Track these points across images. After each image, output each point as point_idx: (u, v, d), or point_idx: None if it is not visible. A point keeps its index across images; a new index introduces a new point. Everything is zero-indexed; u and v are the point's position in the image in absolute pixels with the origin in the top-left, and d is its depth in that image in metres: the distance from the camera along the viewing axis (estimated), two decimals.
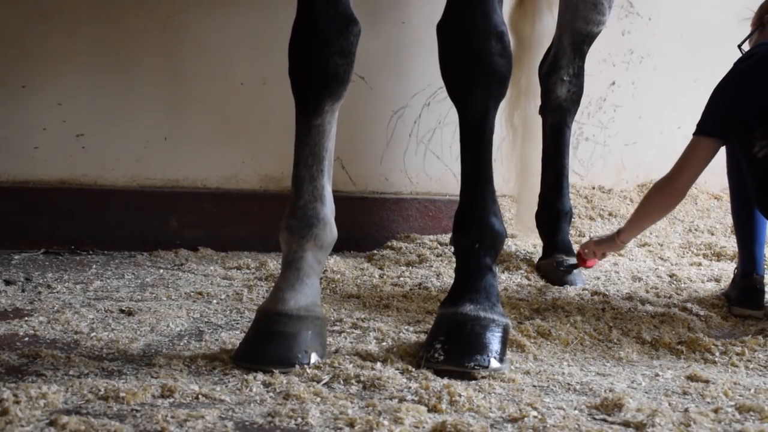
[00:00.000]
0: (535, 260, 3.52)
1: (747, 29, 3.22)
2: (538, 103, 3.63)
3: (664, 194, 2.99)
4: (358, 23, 2.30)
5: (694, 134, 2.94)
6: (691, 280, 3.35)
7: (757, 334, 2.71)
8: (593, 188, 4.30)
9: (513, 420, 1.92)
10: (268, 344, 2.20)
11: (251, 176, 3.88)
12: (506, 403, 2.00)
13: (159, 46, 3.78)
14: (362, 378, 2.13)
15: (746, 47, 3.15)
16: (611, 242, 3.15)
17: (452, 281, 2.36)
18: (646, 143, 4.37)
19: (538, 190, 3.62)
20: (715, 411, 1.99)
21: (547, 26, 3.68)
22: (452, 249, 3.10)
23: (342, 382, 2.13)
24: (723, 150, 3.03)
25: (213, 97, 3.83)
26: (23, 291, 2.99)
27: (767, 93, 2.84)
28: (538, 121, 3.63)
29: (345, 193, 3.86)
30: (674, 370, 2.35)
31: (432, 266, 3.47)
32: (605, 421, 1.94)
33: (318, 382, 2.12)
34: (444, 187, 4.01)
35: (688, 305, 2.98)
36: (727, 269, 3.44)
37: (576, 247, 3.54)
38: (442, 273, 3.35)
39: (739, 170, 3.03)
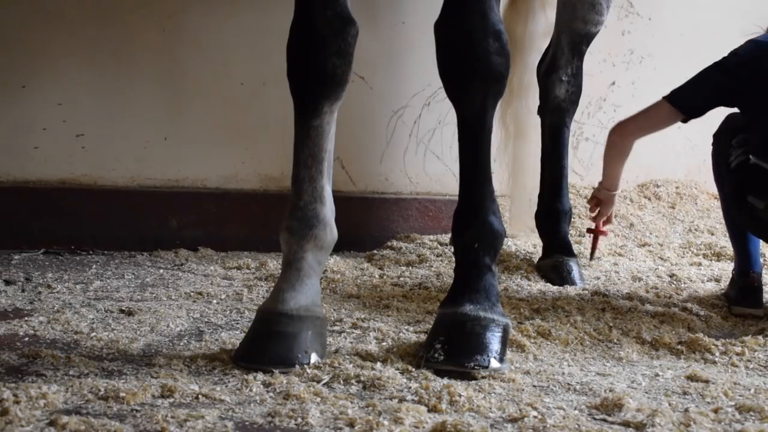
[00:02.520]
0: (535, 260, 3.52)
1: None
2: (531, 102, 3.63)
3: (612, 132, 3.20)
4: (356, 24, 2.30)
5: (664, 97, 3.03)
6: (691, 280, 3.35)
7: (757, 334, 2.71)
8: (593, 188, 4.29)
9: (513, 420, 1.92)
10: (268, 344, 2.21)
11: (251, 176, 3.88)
12: (506, 403, 2.00)
13: (159, 46, 3.78)
14: (362, 378, 2.14)
15: None
16: (605, 197, 3.34)
17: (452, 281, 2.37)
18: (646, 143, 4.33)
19: (531, 189, 3.62)
20: (715, 411, 2.00)
21: (539, 26, 3.69)
22: (452, 249, 3.10)
23: (342, 382, 2.13)
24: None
25: (213, 97, 3.83)
26: (23, 291, 2.99)
27: (749, 101, 2.88)
28: (531, 120, 3.63)
29: (345, 193, 3.86)
30: (674, 370, 2.35)
31: (432, 266, 3.47)
32: (605, 421, 1.94)
33: (318, 382, 2.12)
34: (444, 187, 4.01)
35: (688, 305, 2.98)
36: (727, 269, 3.44)
37: (577, 248, 3.55)
38: (442, 273, 3.35)
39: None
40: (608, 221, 3.47)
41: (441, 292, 3.00)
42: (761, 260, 3.15)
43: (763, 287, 3.06)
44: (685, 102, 3.00)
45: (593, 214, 3.44)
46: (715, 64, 2.99)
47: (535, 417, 1.91)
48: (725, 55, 3.00)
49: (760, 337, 2.63)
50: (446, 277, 3.26)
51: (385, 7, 3.92)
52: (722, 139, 3.06)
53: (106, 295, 2.98)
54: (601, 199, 3.37)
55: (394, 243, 3.80)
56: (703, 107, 3.01)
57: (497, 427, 1.89)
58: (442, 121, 3.99)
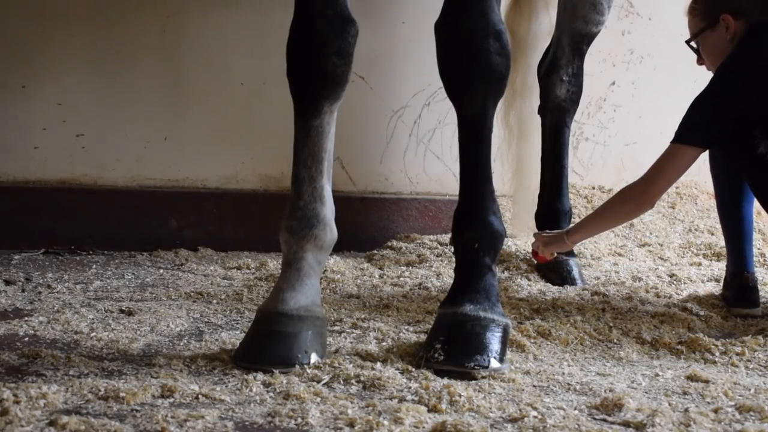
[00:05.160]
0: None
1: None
2: (534, 102, 3.63)
3: (635, 203, 2.89)
4: (356, 24, 2.30)
5: (673, 142, 2.84)
6: (691, 280, 3.35)
7: (757, 334, 2.71)
8: (593, 188, 4.30)
9: (513, 420, 1.92)
10: (268, 344, 2.21)
11: (251, 176, 3.88)
12: (506, 403, 2.00)
13: (159, 46, 3.78)
14: (362, 378, 2.14)
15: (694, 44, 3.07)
16: (560, 242, 3.09)
17: (452, 281, 2.37)
18: (646, 143, 4.36)
19: (534, 189, 3.62)
20: (715, 411, 2.00)
21: (543, 26, 3.68)
22: (452, 249, 3.11)
23: (342, 382, 2.13)
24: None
25: (213, 97, 3.83)
26: (23, 291, 2.99)
27: (763, 93, 2.81)
28: (534, 120, 3.63)
29: (345, 193, 3.86)
30: (674, 370, 2.35)
31: (432, 266, 3.47)
32: (605, 421, 1.94)
33: (318, 382, 2.12)
34: (444, 187, 4.01)
35: (688, 305, 2.98)
36: None
37: (577, 248, 3.55)
38: (442, 273, 3.35)
39: (725, 169, 3.02)
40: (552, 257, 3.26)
41: (441, 292, 3.00)
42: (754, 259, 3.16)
43: (759, 286, 3.07)
44: (698, 133, 2.81)
45: (540, 248, 3.21)
46: (715, 82, 2.87)
47: (535, 417, 1.91)
48: (720, 78, 2.88)
49: (760, 337, 2.63)
50: (446, 277, 3.26)
51: (384, 7, 3.92)
52: (737, 134, 2.97)
53: (106, 295, 2.98)
54: (556, 249, 3.17)
55: (394, 243, 3.80)
56: (721, 130, 2.82)
57: (497, 427, 1.89)
58: (442, 121, 3.99)
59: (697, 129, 2.83)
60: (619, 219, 3.08)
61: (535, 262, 3.39)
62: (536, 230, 3.59)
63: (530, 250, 3.66)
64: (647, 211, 2.96)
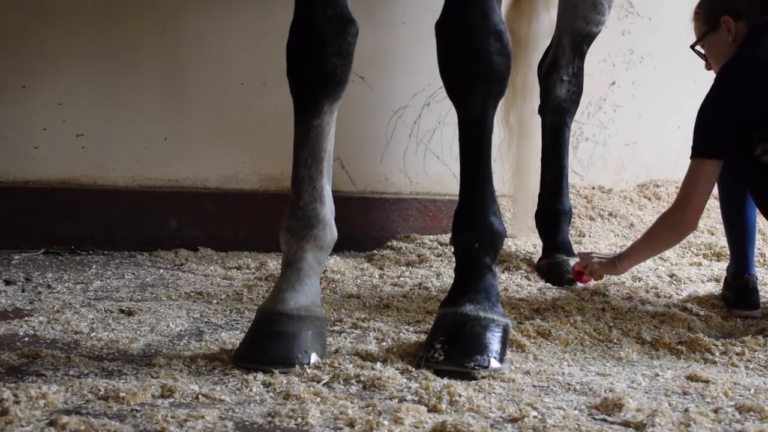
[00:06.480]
0: (535, 260, 3.52)
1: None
2: (534, 102, 3.63)
3: (678, 230, 2.87)
4: (356, 23, 2.30)
5: (693, 157, 2.82)
6: (691, 280, 3.35)
7: (757, 334, 2.71)
8: (593, 188, 4.30)
9: (513, 420, 1.92)
10: (268, 344, 2.21)
11: (251, 176, 3.88)
12: (506, 403, 2.00)
13: (159, 46, 3.78)
14: (362, 378, 2.14)
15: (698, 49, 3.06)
16: (612, 267, 3.03)
17: (452, 281, 2.37)
18: (646, 143, 4.37)
19: (534, 189, 3.62)
20: (715, 411, 2.00)
21: (543, 26, 3.68)
22: (452, 249, 3.11)
23: (342, 382, 2.13)
24: None
25: (213, 97, 3.83)
26: (23, 291, 2.99)
27: (763, 96, 2.80)
28: (534, 120, 3.63)
29: (345, 193, 3.86)
30: (674, 370, 2.35)
31: (432, 266, 3.47)
32: (605, 421, 1.94)
33: (318, 382, 2.12)
34: (444, 187, 4.01)
35: (688, 305, 2.98)
36: None
37: (577, 248, 3.55)
38: (442, 273, 3.35)
39: (728, 170, 3.02)
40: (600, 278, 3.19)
41: (441, 292, 3.00)
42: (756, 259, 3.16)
43: (759, 288, 3.07)
44: (714, 144, 2.80)
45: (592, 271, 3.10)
46: (716, 92, 2.85)
47: (535, 417, 1.92)
48: (720, 80, 2.87)
49: (760, 337, 2.63)
50: (446, 277, 3.26)
51: (385, 7, 3.92)
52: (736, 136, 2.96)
53: (106, 295, 2.98)
54: (607, 273, 3.10)
55: (394, 243, 3.80)
56: (730, 130, 2.80)
57: (497, 427, 1.89)
58: (442, 121, 3.99)
59: (711, 139, 2.81)
60: (667, 245, 3.08)
61: (577, 284, 3.21)
62: (536, 230, 3.59)
63: (530, 250, 3.67)
64: (691, 231, 2.90)
